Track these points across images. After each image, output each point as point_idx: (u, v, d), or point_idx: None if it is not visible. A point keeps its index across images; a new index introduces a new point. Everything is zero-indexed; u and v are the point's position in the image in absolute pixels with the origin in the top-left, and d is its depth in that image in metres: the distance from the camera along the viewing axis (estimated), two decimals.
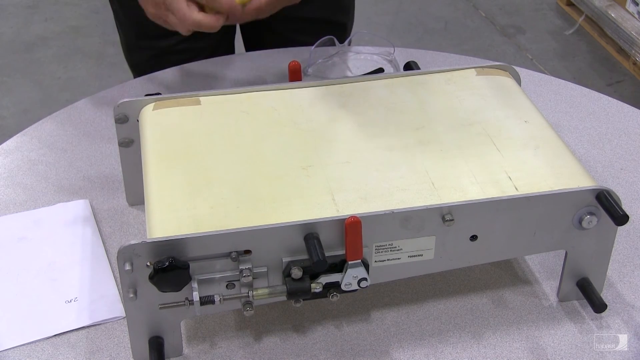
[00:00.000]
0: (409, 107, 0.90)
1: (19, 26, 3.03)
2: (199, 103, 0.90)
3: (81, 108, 1.15)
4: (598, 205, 0.77)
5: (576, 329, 0.83)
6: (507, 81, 0.95)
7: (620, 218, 0.75)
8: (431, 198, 0.77)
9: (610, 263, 0.83)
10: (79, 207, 0.97)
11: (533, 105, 0.92)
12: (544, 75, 1.27)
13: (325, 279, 0.75)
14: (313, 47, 1.24)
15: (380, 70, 1.15)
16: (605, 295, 0.84)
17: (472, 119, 0.88)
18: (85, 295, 0.86)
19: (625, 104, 1.18)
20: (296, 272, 0.73)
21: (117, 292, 0.86)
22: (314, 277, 0.75)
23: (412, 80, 0.94)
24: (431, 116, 0.89)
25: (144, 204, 0.79)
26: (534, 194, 0.76)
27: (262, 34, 1.37)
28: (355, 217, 0.72)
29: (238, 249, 0.72)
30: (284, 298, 0.75)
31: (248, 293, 0.74)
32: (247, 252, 0.72)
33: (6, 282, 0.88)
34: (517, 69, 0.98)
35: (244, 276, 0.73)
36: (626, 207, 0.79)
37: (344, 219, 0.72)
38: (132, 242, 0.69)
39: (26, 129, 1.11)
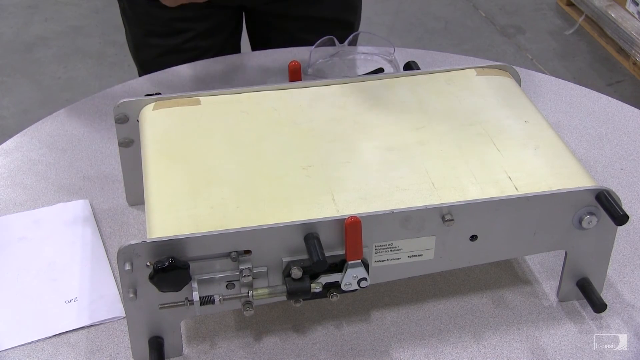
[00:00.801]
0: (409, 107, 0.90)
1: (19, 26, 3.03)
2: (199, 103, 0.90)
3: (81, 108, 1.15)
4: (598, 205, 0.77)
5: (576, 329, 0.83)
6: (507, 81, 0.95)
7: (620, 218, 0.75)
8: (431, 198, 0.77)
9: (610, 263, 0.83)
10: (79, 207, 0.97)
11: (533, 105, 0.92)
12: (544, 75, 1.27)
13: (325, 279, 0.75)
14: (313, 47, 1.24)
15: (380, 70, 1.15)
16: (605, 295, 0.84)
17: (472, 119, 0.88)
18: (85, 295, 0.86)
19: (625, 104, 1.18)
20: (296, 272, 0.73)
21: (117, 292, 0.86)
22: (314, 277, 0.75)
23: (412, 80, 0.94)
24: (431, 116, 0.89)
25: (144, 204, 0.79)
26: (534, 194, 0.76)
27: (269, 33, 1.37)
28: (355, 217, 0.72)
29: (238, 249, 0.72)
30: (284, 298, 0.75)
31: (248, 293, 0.74)
32: (247, 252, 0.72)
33: (6, 282, 0.88)
34: (517, 69, 0.98)
35: (244, 276, 0.73)
36: (626, 207, 0.78)
37: (344, 219, 0.72)
38: (132, 242, 0.69)
39: (26, 129, 1.11)
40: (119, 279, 0.79)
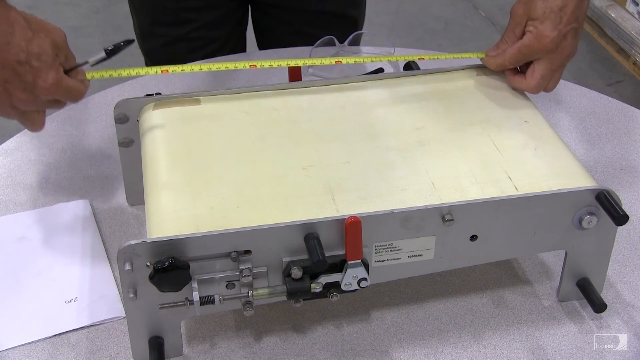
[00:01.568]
0: (409, 107, 0.90)
1: None
2: (199, 103, 0.90)
3: (81, 108, 1.15)
4: (598, 205, 0.76)
5: (576, 329, 0.83)
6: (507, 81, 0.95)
7: (620, 218, 0.75)
8: (431, 198, 0.77)
9: (610, 263, 0.83)
10: (79, 207, 0.97)
11: (533, 105, 0.92)
12: None
13: (325, 279, 0.75)
14: (313, 47, 1.24)
15: (380, 70, 1.15)
16: (605, 295, 0.84)
17: (472, 119, 0.88)
18: (85, 295, 0.86)
19: (625, 104, 1.18)
20: (296, 272, 0.73)
21: (117, 292, 0.86)
22: (314, 277, 0.75)
23: (412, 80, 0.94)
24: (431, 116, 0.89)
25: (144, 204, 0.79)
26: (534, 194, 0.76)
27: (273, 26, 1.38)
28: (355, 217, 0.72)
29: (238, 249, 0.72)
30: (284, 298, 0.75)
31: (248, 293, 0.74)
32: (247, 252, 0.72)
33: (6, 282, 0.88)
34: None
35: (244, 276, 0.73)
36: (626, 207, 0.78)
37: (344, 219, 0.72)
38: (132, 242, 0.69)
39: (26, 129, 1.11)
40: (119, 279, 0.79)
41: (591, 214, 0.77)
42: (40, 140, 1.09)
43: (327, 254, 0.72)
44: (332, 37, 1.25)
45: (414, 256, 0.77)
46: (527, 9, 0.88)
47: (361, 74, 0.99)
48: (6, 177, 1.03)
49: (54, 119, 1.13)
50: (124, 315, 0.82)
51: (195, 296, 0.72)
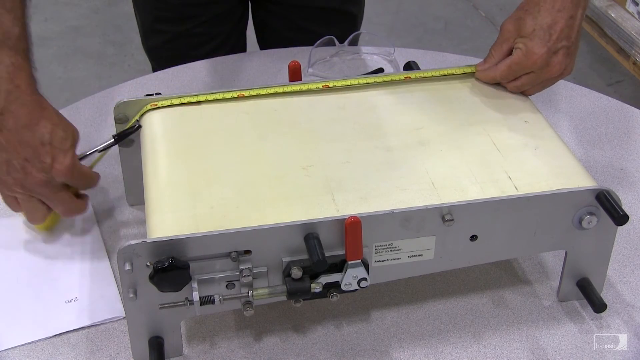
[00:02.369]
0: (409, 107, 0.90)
1: None
2: (199, 103, 0.90)
3: (81, 108, 1.15)
4: (598, 205, 0.76)
5: (576, 329, 0.83)
6: None
7: (620, 218, 0.75)
8: (431, 198, 0.77)
9: (610, 263, 0.83)
10: None
11: (533, 105, 0.92)
12: None
13: (325, 279, 0.75)
14: (313, 47, 1.24)
15: (380, 70, 1.15)
16: (605, 295, 0.84)
17: (472, 119, 0.88)
18: (85, 295, 0.86)
19: (625, 104, 1.18)
20: (296, 272, 0.73)
21: (117, 292, 0.86)
22: (314, 277, 0.75)
23: (411, 80, 0.94)
24: (431, 116, 0.89)
25: (144, 204, 0.79)
26: (534, 194, 0.76)
27: (273, 21, 1.38)
28: (355, 217, 0.72)
29: (238, 249, 0.72)
30: (284, 298, 0.75)
31: (248, 293, 0.74)
32: (247, 252, 0.72)
33: (7, 282, 0.88)
34: None
35: (244, 276, 0.73)
36: (626, 207, 0.78)
37: (344, 219, 0.72)
38: (132, 242, 0.69)
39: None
40: (119, 279, 0.79)
41: (591, 214, 0.77)
42: None
43: (327, 254, 0.72)
44: (332, 37, 1.25)
45: (414, 256, 0.77)
46: (517, 25, 0.90)
47: (361, 74, 0.99)
48: None
49: None
50: (123, 315, 0.82)
51: (195, 296, 0.72)
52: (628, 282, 0.88)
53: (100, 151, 0.89)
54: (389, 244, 0.76)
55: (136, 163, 0.88)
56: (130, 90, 1.19)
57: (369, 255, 0.76)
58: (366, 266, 0.75)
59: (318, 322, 0.83)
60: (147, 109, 0.89)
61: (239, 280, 0.73)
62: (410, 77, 0.94)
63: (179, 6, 1.29)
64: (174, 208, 0.76)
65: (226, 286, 0.74)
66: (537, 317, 0.84)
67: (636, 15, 2.74)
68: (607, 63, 2.81)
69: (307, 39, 1.26)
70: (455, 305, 0.86)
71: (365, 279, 0.75)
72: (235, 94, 0.90)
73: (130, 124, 0.89)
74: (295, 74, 0.94)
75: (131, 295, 0.72)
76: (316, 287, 0.75)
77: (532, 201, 0.76)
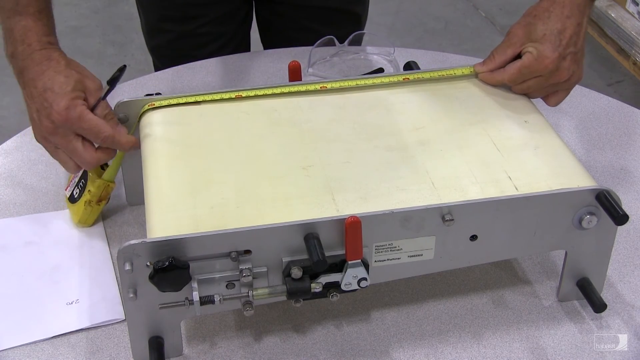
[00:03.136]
0: (409, 107, 0.90)
1: None
2: (199, 103, 0.90)
3: None
4: (598, 205, 0.76)
5: (576, 329, 0.83)
6: None
7: (620, 218, 0.75)
8: (431, 198, 0.77)
9: (610, 263, 0.83)
10: None
11: (533, 105, 0.92)
12: None
13: (325, 279, 0.75)
14: (313, 47, 1.24)
15: (380, 70, 1.15)
16: (605, 295, 0.84)
17: (472, 119, 0.88)
18: (85, 297, 0.86)
19: (625, 104, 1.18)
20: (296, 272, 0.73)
21: (118, 294, 0.86)
22: (314, 277, 0.75)
23: (411, 80, 0.94)
24: (431, 116, 0.89)
25: (144, 204, 0.79)
26: (534, 194, 0.76)
27: (277, 21, 1.39)
28: (355, 217, 0.72)
29: (238, 249, 0.72)
30: (284, 298, 0.75)
31: (248, 293, 0.74)
32: (247, 252, 0.72)
33: (10, 283, 0.88)
34: None
35: (244, 276, 0.73)
36: (626, 207, 0.78)
37: (344, 219, 0.72)
38: (132, 242, 0.69)
39: (26, 129, 1.11)
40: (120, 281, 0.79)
41: (591, 214, 0.77)
42: None
43: (327, 254, 0.72)
44: (332, 37, 1.25)
45: (414, 256, 0.77)
46: (527, 31, 0.90)
47: (361, 74, 0.99)
48: (6, 177, 1.03)
49: None
50: (123, 317, 0.82)
51: (195, 296, 0.72)
52: (628, 282, 0.88)
53: (103, 99, 0.87)
54: (389, 244, 0.76)
55: (136, 163, 0.88)
56: (130, 90, 1.19)
57: (369, 255, 0.76)
58: (366, 266, 0.75)
59: (318, 322, 0.83)
60: (146, 109, 0.89)
61: (239, 280, 0.73)
62: (409, 77, 0.94)
63: (183, 6, 1.29)
64: (174, 208, 0.76)
65: (226, 286, 0.74)
66: (537, 317, 0.84)
67: (636, 15, 2.74)
68: (607, 63, 2.81)
69: (311, 39, 1.26)
70: (455, 305, 0.86)
71: (365, 279, 0.75)
72: (233, 95, 0.90)
73: (134, 128, 0.89)
74: (295, 74, 0.94)
75: (131, 295, 0.72)
76: (316, 287, 0.75)
77: (532, 201, 0.76)
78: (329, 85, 0.92)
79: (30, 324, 0.83)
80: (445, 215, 0.75)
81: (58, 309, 0.84)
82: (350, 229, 0.72)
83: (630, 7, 2.76)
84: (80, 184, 0.93)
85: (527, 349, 0.81)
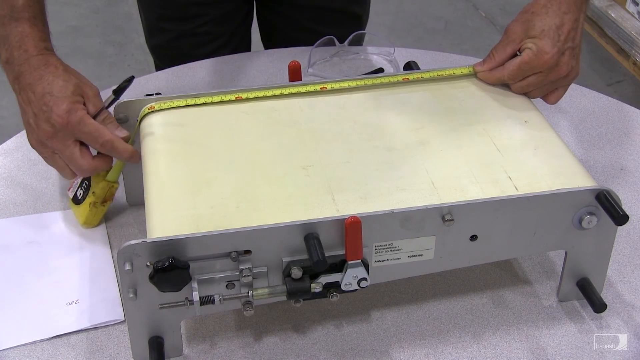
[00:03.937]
0: (409, 107, 0.90)
1: None
2: (198, 103, 0.90)
3: None
4: (598, 205, 0.76)
5: (576, 329, 0.83)
6: None
7: (620, 218, 0.75)
8: (431, 198, 0.77)
9: (610, 263, 0.83)
10: None
11: (533, 105, 0.92)
12: None
13: (325, 279, 0.75)
14: (313, 47, 1.24)
15: (380, 70, 1.15)
16: (605, 295, 0.84)
17: (472, 119, 0.88)
18: (86, 297, 0.86)
19: (625, 104, 1.18)
20: (296, 272, 0.73)
21: (118, 295, 0.86)
22: (314, 277, 0.75)
23: (411, 80, 0.94)
24: (431, 116, 0.89)
25: (144, 204, 0.79)
26: (534, 194, 0.76)
27: (278, 22, 1.39)
28: (355, 217, 0.72)
29: (238, 249, 0.72)
30: (284, 298, 0.75)
31: (248, 293, 0.74)
32: (247, 252, 0.72)
33: (10, 283, 0.88)
34: None
35: (244, 276, 0.73)
36: (626, 207, 0.78)
37: (344, 219, 0.72)
38: (132, 242, 0.69)
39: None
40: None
41: (591, 214, 0.77)
42: None
43: (327, 254, 0.72)
44: (332, 37, 1.25)
45: (414, 256, 0.77)
46: (525, 27, 0.90)
47: (361, 74, 0.99)
48: (6, 177, 1.03)
49: None
50: (123, 318, 0.82)
51: (195, 296, 0.72)
52: (628, 282, 0.88)
53: (107, 106, 0.87)
54: (389, 244, 0.76)
55: (136, 163, 0.88)
56: (130, 90, 1.18)
57: (369, 255, 0.76)
58: (366, 266, 0.75)
59: (318, 322, 0.83)
60: (146, 112, 0.89)
61: (239, 280, 0.73)
62: (409, 77, 0.94)
63: (184, 5, 1.30)
64: (174, 208, 0.76)
65: (226, 286, 0.74)
66: (537, 317, 0.84)
67: (636, 15, 2.73)
68: (607, 63, 2.81)
69: (311, 39, 1.26)
70: (455, 305, 0.86)
71: (365, 279, 0.75)
72: (233, 97, 0.90)
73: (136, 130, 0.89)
74: (295, 74, 0.94)
75: (131, 296, 0.72)
76: (316, 287, 0.75)
77: (532, 201, 0.76)
78: (329, 86, 0.92)
79: (30, 324, 0.83)
80: (445, 215, 0.75)
81: (58, 309, 0.84)
82: (350, 229, 0.72)
83: (630, 7, 2.76)
84: (84, 185, 0.93)
85: (527, 349, 0.81)
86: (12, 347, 0.80)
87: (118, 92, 0.88)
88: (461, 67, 0.95)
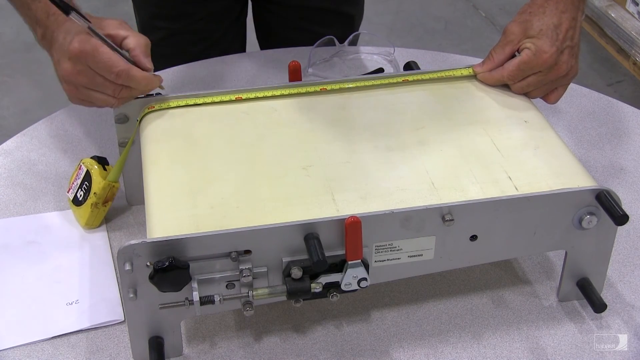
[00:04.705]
0: (409, 107, 0.90)
1: (19, 26, 3.01)
2: (199, 103, 0.90)
3: (81, 108, 1.15)
4: (598, 205, 0.76)
5: (576, 329, 0.83)
6: None
7: (620, 218, 0.75)
8: (431, 198, 0.77)
9: (610, 263, 0.83)
10: None
11: (533, 105, 0.92)
12: None
13: (325, 279, 0.75)
14: (313, 47, 1.24)
15: (380, 70, 1.15)
16: (605, 295, 0.84)
17: (472, 119, 0.88)
18: (86, 297, 0.86)
19: (625, 104, 1.18)
20: (296, 272, 0.73)
21: (118, 295, 0.86)
22: (314, 277, 0.75)
23: (411, 80, 0.94)
24: (431, 116, 0.89)
25: (144, 204, 0.79)
26: (534, 194, 0.76)
27: (271, 20, 1.39)
28: (355, 217, 0.72)
29: (238, 249, 0.72)
30: (284, 298, 0.75)
31: (248, 293, 0.74)
32: (247, 252, 0.72)
33: (11, 283, 0.88)
34: None
35: (244, 276, 0.73)
36: (626, 207, 0.78)
37: (344, 219, 0.72)
38: (132, 242, 0.69)
39: (26, 129, 1.11)
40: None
41: (591, 214, 0.77)
42: (40, 140, 1.09)
43: (327, 254, 0.72)
44: (332, 37, 1.25)
45: (414, 256, 0.77)
46: (523, 27, 0.90)
47: (361, 74, 0.99)
48: (6, 177, 1.03)
49: (54, 119, 1.13)
50: (123, 318, 0.82)
51: (195, 296, 0.72)
52: (628, 282, 0.88)
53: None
54: (389, 244, 0.76)
55: (136, 163, 0.88)
56: None
57: (369, 255, 0.76)
58: (366, 266, 0.75)
59: (318, 322, 0.83)
60: (146, 112, 0.89)
61: (239, 280, 0.73)
62: (409, 77, 0.94)
63: (176, 3, 1.30)
64: (174, 208, 0.76)
65: (226, 286, 0.74)
66: (537, 317, 0.84)
67: (636, 15, 2.74)
68: (607, 63, 2.81)
69: (306, 39, 1.26)
70: (455, 305, 0.86)
71: (365, 279, 0.75)
72: (233, 97, 0.90)
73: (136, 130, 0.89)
74: (295, 74, 0.94)
75: (131, 295, 0.72)
76: (316, 287, 0.75)
77: (532, 201, 0.76)
78: (329, 87, 0.92)
79: (30, 324, 0.83)
80: (445, 215, 0.75)
81: (58, 309, 0.84)
82: (350, 229, 0.72)
83: (630, 7, 2.76)
84: (84, 186, 0.93)
85: (527, 349, 0.81)
86: (12, 347, 0.80)
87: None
88: (461, 68, 0.95)
